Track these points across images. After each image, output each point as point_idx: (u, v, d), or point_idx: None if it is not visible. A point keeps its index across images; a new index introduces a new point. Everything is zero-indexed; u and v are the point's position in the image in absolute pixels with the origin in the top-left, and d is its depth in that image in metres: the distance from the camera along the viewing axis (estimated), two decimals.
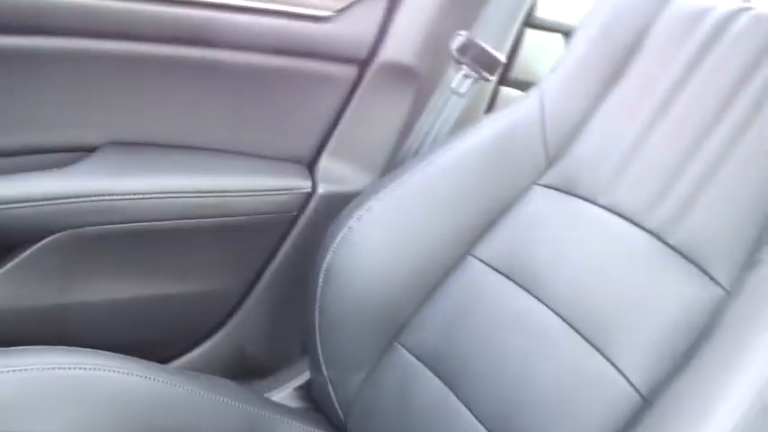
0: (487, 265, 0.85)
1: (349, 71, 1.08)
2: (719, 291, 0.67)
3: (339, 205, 0.93)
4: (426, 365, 0.84)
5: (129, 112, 1.01)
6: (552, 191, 0.86)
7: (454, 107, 1.05)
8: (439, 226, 0.88)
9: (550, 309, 0.77)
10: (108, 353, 0.83)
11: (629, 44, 0.87)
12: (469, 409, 0.77)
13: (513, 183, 0.88)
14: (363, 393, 0.88)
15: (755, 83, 0.74)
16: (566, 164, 0.87)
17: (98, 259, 1.01)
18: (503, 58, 1.04)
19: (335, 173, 1.12)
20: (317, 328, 0.90)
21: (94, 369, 0.80)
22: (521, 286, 0.81)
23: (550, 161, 0.88)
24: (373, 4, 1.05)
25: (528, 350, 0.76)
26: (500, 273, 0.83)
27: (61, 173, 0.97)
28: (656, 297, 0.71)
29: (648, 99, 0.82)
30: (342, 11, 1.04)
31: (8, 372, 0.77)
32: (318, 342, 0.90)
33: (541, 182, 0.88)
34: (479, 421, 0.76)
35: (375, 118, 1.11)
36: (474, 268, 0.86)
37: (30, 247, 0.96)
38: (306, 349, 0.94)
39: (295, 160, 1.12)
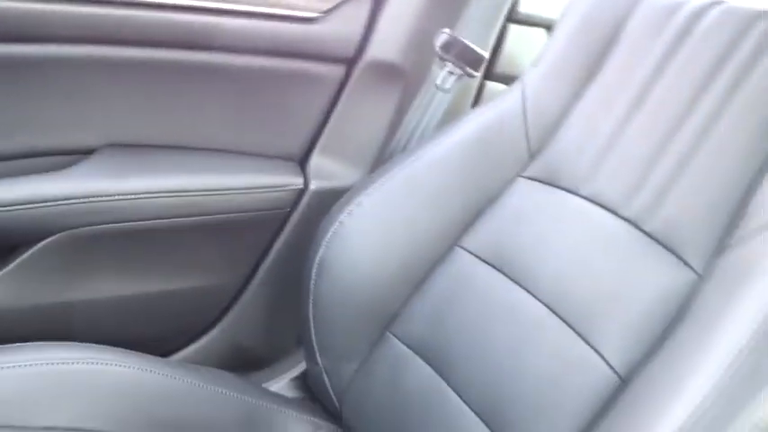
0: (474, 255, 0.88)
1: (337, 70, 1.11)
2: (693, 275, 0.70)
3: (331, 201, 0.96)
4: (417, 354, 0.86)
5: (126, 115, 1.04)
6: (536, 183, 0.89)
7: (440, 103, 1.08)
8: (427, 219, 0.91)
9: (536, 298, 0.79)
10: (109, 347, 0.86)
11: (606, 38, 0.89)
12: (459, 395, 0.80)
13: (497, 175, 0.91)
14: (357, 382, 0.91)
15: (725, 75, 0.76)
16: (548, 156, 0.90)
17: (98, 258, 1.03)
18: (486, 54, 1.07)
19: (327, 169, 1.15)
20: (311, 319, 0.93)
21: (95, 363, 0.83)
22: (507, 276, 0.83)
23: (533, 154, 0.91)
24: (359, 4, 1.08)
25: (514, 338, 0.79)
26: (487, 263, 0.86)
27: (60, 175, 1.00)
28: (634, 283, 0.73)
29: (625, 92, 0.85)
30: (328, 12, 1.07)
31: (9, 368, 0.80)
32: (313, 333, 0.93)
33: (525, 174, 0.90)
34: (468, 406, 0.79)
35: (364, 115, 1.14)
36: (461, 259, 0.89)
37: (31, 247, 0.99)
38: (301, 341, 0.97)
39: (287, 158, 1.15)
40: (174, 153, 1.07)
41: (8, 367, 0.80)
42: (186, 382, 0.88)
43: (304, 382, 1.04)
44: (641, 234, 0.76)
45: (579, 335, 0.74)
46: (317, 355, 0.93)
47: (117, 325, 1.08)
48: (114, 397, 0.82)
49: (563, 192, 0.85)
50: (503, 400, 0.76)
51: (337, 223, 0.92)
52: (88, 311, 1.06)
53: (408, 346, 0.88)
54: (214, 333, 1.16)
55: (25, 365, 0.81)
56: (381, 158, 1.14)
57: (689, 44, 0.82)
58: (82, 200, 0.98)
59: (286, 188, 1.11)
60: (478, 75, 1.09)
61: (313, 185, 1.13)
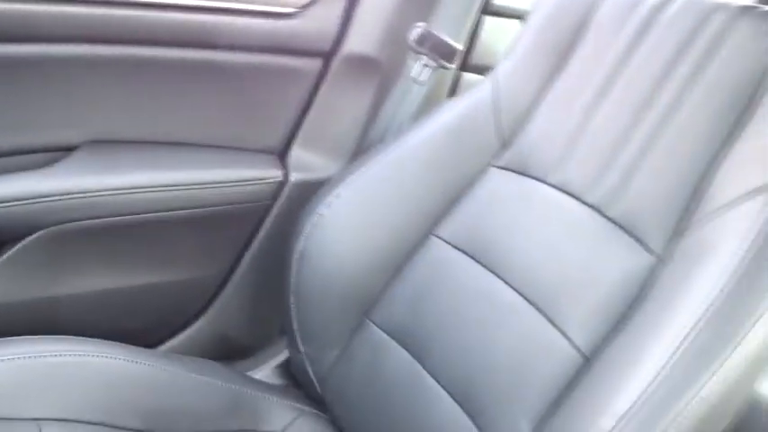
0: (449, 243, 0.90)
1: (314, 64, 1.13)
2: (653, 258, 0.73)
3: (311, 192, 0.98)
4: (395, 339, 0.89)
5: (108, 112, 1.06)
6: (507, 172, 0.91)
7: (416, 95, 1.11)
8: (403, 208, 0.93)
9: (507, 283, 0.82)
10: (95, 340, 0.89)
11: (573, 30, 0.92)
12: (435, 379, 0.83)
13: (471, 165, 0.94)
14: (338, 368, 0.94)
15: (685, 65, 0.79)
16: (519, 146, 0.92)
17: (82, 253, 1.05)
18: (460, 46, 1.09)
19: (306, 161, 1.17)
20: (292, 308, 0.96)
21: (82, 355, 0.85)
22: (480, 263, 0.86)
23: (505, 144, 0.94)
24: None
25: (487, 322, 0.82)
26: (461, 251, 0.89)
27: (44, 172, 1.02)
28: (598, 267, 0.76)
29: (591, 82, 0.87)
30: (305, 7, 1.09)
31: None
32: (295, 322, 0.96)
33: (497, 164, 0.93)
34: (444, 389, 0.81)
35: (342, 108, 1.16)
36: (437, 247, 0.91)
37: (16, 244, 1.01)
38: (284, 329, 0.99)
39: (267, 151, 1.17)
40: (155, 148, 1.09)
41: None
42: (171, 372, 0.91)
43: (287, 369, 1.07)
44: (605, 220, 0.79)
45: (547, 318, 0.77)
46: (299, 342, 0.96)
47: (103, 318, 1.10)
48: (101, 388, 0.84)
49: (533, 180, 0.88)
50: (475, 382, 0.79)
51: (317, 215, 0.95)
52: (75, 305, 1.08)
53: (387, 333, 0.91)
54: (199, 324, 1.18)
55: (14, 359, 0.83)
56: (360, 150, 1.16)
57: (651, 35, 0.85)
58: (65, 196, 1.00)
59: (266, 181, 1.13)
60: (453, 67, 1.11)
61: (293, 177, 1.15)
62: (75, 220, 1.01)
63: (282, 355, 1.09)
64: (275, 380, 1.06)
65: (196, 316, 1.18)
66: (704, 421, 0.62)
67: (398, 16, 1.11)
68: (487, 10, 1.23)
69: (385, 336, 0.90)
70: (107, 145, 1.07)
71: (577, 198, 0.82)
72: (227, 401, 0.92)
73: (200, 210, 1.09)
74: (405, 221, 0.93)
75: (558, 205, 0.84)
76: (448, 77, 1.25)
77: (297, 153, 1.18)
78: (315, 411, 0.97)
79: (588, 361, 0.71)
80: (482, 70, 1.27)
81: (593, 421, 0.63)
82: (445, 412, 0.80)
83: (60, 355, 0.85)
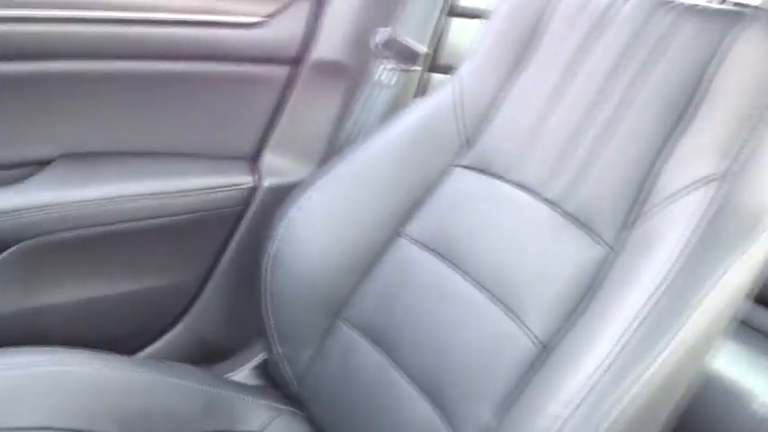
0: (416, 243, 0.93)
1: (282, 71, 1.15)
2: (606, 249, 0.76)
3: (284, 196, 1.01)
4: (365, 338, 0.92)
5: (81, 126, 1.08)
6: (471, 171, 0.94)
7: (383, 97, 1.14)
8: (371, 209, 0.96)
9: (471, 279, 0.85)
10: (73, 350, 0.91)
11: (531, 30, 0.94)
12: (403, 374, 0.85)
13: (435, 165, 0.96)
14: (313, 367, 0.96)
15: (634, 63, 0.82)
16: (481, 145, 0.94)
17: (60, 264, 1.07)
18: (424, 49, 1.12)
19: (279, 166, 1.20)
20: (267, 310, 0.98)
21: (61, 365, 0.87)
22: (445, 261, 0.88)
23: (468, 143, 0.96)
24: (299, 6, 1.13)
25: (451, 318, 0.84)
26: (427, 250, 0.91)
27: (17, 187, 1.04)
28: (555, 260, 0.79)
29: (548, 81, 0.90)
30: (270, 16, 1.11)
31: None
32: (270, 323, 0.98)
33: (461, 163, 0.95)
34: (412, 383, 0.84)
35: (311, 112, 1.18)
36: (404, 247, 0.94)
37: None
38: (260, 331, 1.01)
39: (239, 158, 1.19)
40: (129, 159, 1.11)
41: None
42: (149, 377, 0.93)
43: (265, 370, 1.09)
44: (561, 214, 0.82)
45: (507, 311, 0.80)
46: (275, 343, 0.98)
47: (82, 327, 1.12)
48: (80, 395, 0.86)
49: (494, 179, 0.91)
50: (441, 375, 0.82)
51: (288, 218, 0.98)
52: (55, 316, 1.10)
53: (358, 331, 0.93)
54: (178, 329, 1.20)
55: None
56: (330, 153, 1.18)
57: (603, 34, 0.87)
58: (41, 210, 1.02)
59: (239, 187, 1.15)
60: (418, 69, 1.13)
61: (266, 182, 1.18)
62: (51, 233, 1.03)
63: (260, 357, 1.11)
64: (253, 381, 1.08)
65: (175, 321, 1.20)
66: (651, 402, 0.65)
67: (363, 22, 1.13)
68: (452, 11, 1.25)
69: (356, 334, 0.93)
70: (81, 158, 1.09)
71: (536, 194, 0.85)
72: (204, 403, 0.94)
73: (175, 217, 1.11)
74: (373, 222, 0.95)
75: (518, 202, 0.86)
76: (416, 78, 1.28)
77: (269, 158, 1.20)
78: (292, 410, 0.99)
79: (546, 350, 0.74)
80: (450, 70, 1.29)
81: (544, 408, 0.66)
82: (413, 406, 0.83)
83: (39, 366, 0.87)
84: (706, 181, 0.70)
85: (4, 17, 0.96)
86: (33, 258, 1.04)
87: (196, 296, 1.21)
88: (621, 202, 0.77)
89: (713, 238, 0.68)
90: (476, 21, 1.31)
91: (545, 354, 0.74)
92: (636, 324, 0.66)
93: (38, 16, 0.98)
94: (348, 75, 1.16)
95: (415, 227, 0.94)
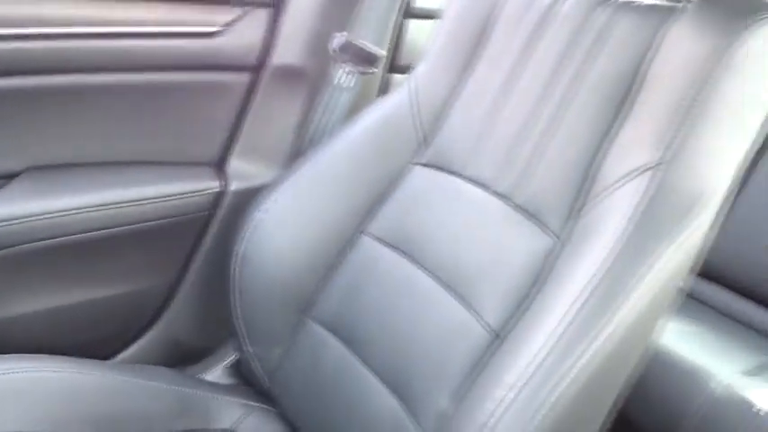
0: (378, 240, 0.96)
1: (244, 77, 1.18)
2: (554, 239, 0.79)
3: (251, 199, 1.04)
4: (332, 333, 0.95)
5: (47, 138, 1.10)
6: (428, 168, 0.97)
7: (343, 100, 1.17)
8: (334, 209, 0.99)
9: (430, 273, 0.88)
10: (46, 356, 0.93)
11: (480, 29, 0.97)
12: (369, 368, 0.89)
13: (394, 164, 0.99)
14: (283, 364, 0.99)
15: (575, 59, 0.85)
16: (437, 143, 0.98)
17: (32, 274, 1.09)
18: (381, 51, 1.15)
19: (245, 171, 1.22)
20: (237, 310, 1.01)
21: (33, 371, 0.90)
22: (405, 257, 0.91)
23: (425, 141, 0.99)
24: (257, 14, 1.15)
25: (410, 312, 0.87)
26: (389, 246, 0.94)
27: None
28: (507, 251, 0.82)
29: (497, 78, 0.93)
30: (228, 24, 1.14)
31: None
32: (240, 322, 1.01)
33: (419, 161, 0.98)
34: (376, 376, 0.87)
35: (274, 117, 1.21)
36: (367, 244, 0.97)
37: None
38: (231, 331, 1.04)
39: (205, 163, 1.22)
40: (95, 170, 1.13)
41: None
42: (121, 380, 0.95)
43: (237, 369, 1.12)
44: (512, 207, 0.85)
45: (463, 301, 0.83)
46: (245, 342, 1.01)
47: (56, 335, 1.13)
48: (52, 400, 0.88)
49: (450, 175, 0.94)
50: (402, 367, 0.85)
51: (255, 220, 1.01)
52: (28, 324, 1.12)
53: (324, 328, 0.96)
54: (152, 333, 1.22)
55: None
56: (295, 155, 1.20)
57: (547, 31, 0.90)
58: (10, 222, 1.03)
59: (206, 192, 1.18)
60: (376, 71, 1.16)
61: (233, 187, 1.20)
62: (21, 244, 1.05)
63: (232, 357, 1.14)
64: (226, 380, 1.11)
65: (148, 325, 1.22)
66: (593, 381, 0.68)
67: (320, 27, 1.16)
68: (409, 13, 1.28)
69: (323, 331, 0.96)
70: (49, 170, 1.11)
71: (488, 188, 0.89)
72: (176, 403, 0.97)
73: (144, 224, 1.14)
74: (337, 221, 0.98)
75: (472, 197, 0.90)
76: (377, 79, 1.31)
77: (235, 163, 1.23)
78: (264, 407, 1.02)
79: (498, 338, 0.77)
80: (409, 70, 1.32)
81: (491, 392, 0.69)
82: (377, 398, 0.86)
83: (12, 372, 0.89)
84: (642, 170, 0.74)
85: None
86: (4, 269, 1.06)
87: (168, 300, 1.23)
88: (567, 193, 0.81)
89: (649, 224, 0.71)
90: (432, 21, 1.34)
91: (498, 341, 0.77)
92: (576, 308, 0.69)
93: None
94: (308, 79, 1.19)
95: (377, 225, 0.97)
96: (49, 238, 1.07)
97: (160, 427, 0.94)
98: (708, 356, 1.21)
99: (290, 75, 1.19)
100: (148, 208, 1.13)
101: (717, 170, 0.74)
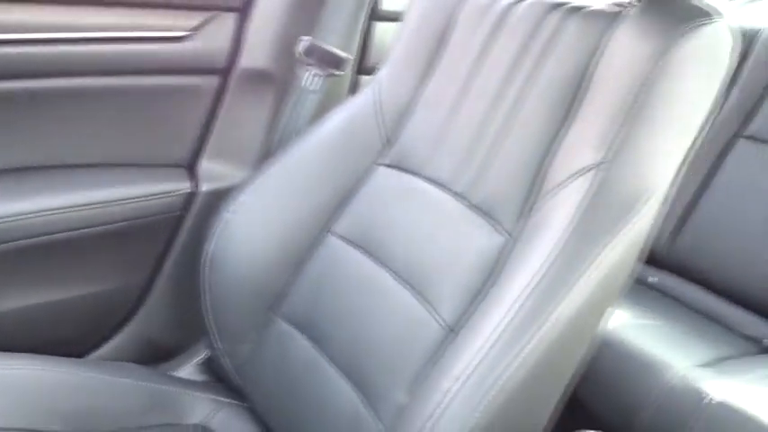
0: (343, 239, 0.99)
1: (213, 81, 1.21)
2: (506, 237, 0.82)
3: (222, 200, 1.06)
4: (298, 330, 0.98)
5: (18, 141, 1.12)
6: (391, 169, 0.99)
7: (310, 102, 1.19)
8: (301, 209, 1.01)
9: (390, 271, 0.90)
10: (16, 354, 0.95)
11: (440, 32, 1.00)
12: (332, 363, 0.91)
13: (358, 165, 1.02)
14: (253, 360, 1.02)
15: (527, 62, 0.88)
16: (399, 144, 1.00)
17: (5, 273, 1.11)
18: (347, 54, 1.17)
19: (215, 172, 1.25)
20: (207, 308, 1.04)
21: (4, 369, 0.92)
22: (368, 255, 0.94)
23: (388, 142, 1.01)
24: (224, 19, 1.18)
25: (373, 308, 0.90)
26: (353, 245, 0.97)
27: None
28: (462, 249, 0.85)
29: (455, 81, 0.96)
30: (195, 29, 1.16)
31: None
32: (210, 320, 1.03)
33: (383, 162, 1.01)
34: (339, 371, 0.90)
35: (243, 119, 1.24)
36: (332, 243, 0.99)
37: None
38: (202, 328, 1.06)
39: (177, 165, 1.25)
40: (67, 172, 1.15)
41: None
42: (93, 377, 0.98)
43: (208, 365, 1.14)
44: (468, 206, 0.88)
45: (421, 298, 0.85)
46: (216, 339, 1.04)
47: (29, 333, 1.15)
48: (23, 396, 0.90)
49: (411, 175, 0.96)
50: (362, 362, 0.88)
51: (223, 220, 1.04)
52: (1, 322, 1.13)
53: (291, 325, 0.99)
54: (126, 331, 1.25)
55: None
56: (265, 157, 1.22)
57: (501, 36, 0.93)
58: None
59: (177, 193, 1.21)
60: (342, 74, 1.19)
61: (204, 188, 1.23)
62: None
63: (204, 354, 1.16)
64: (197, 376, 1.13)
65: (121, 324, 1.25)
66: (538, 371, 0.72)
67: (287, 31, 1.19)
68: (376, 16, 1.31)
69: (290, 328, 0.99)
70: (20, 172, 1.12)
71: (446, 188, 0.91)
72: (148, 399, 0.99)
73: (117, 225, 1.16)
74: (302, 221, 1.01)
75: (431, 196, 0.92)
76: (347, 81, 1.33)
77: (205, 165, 1.25)
78: (235, 402, 1.04)
79: (452, 333, 0.80)
80: (376, 71, 1.36)
81: (439, 384, 0.72)
82: (339, 392, 0.89)
83: None
84: (586, 170, 0.77)
85: None
86: None
87: (142, 298, 1.25)
88: (518, 192, 0.84)
89: (591, 221, 0.75)
90: (398, 23, 1.37)
91: (452, 336, 0.80)
92: (521, 301, 0.73)
93: None
94: (276, 82, 1.22)
95: (342, 224, 1.00)
96: (21, 239, 1.09)
97: (131, 422, 0.96)
98: (667, 349, 1.25)
99: (257, 78, 1.22)
100: (121, 209, 1.16)
101: (657, 169, 0.77)
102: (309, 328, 0.97)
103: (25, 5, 1.05)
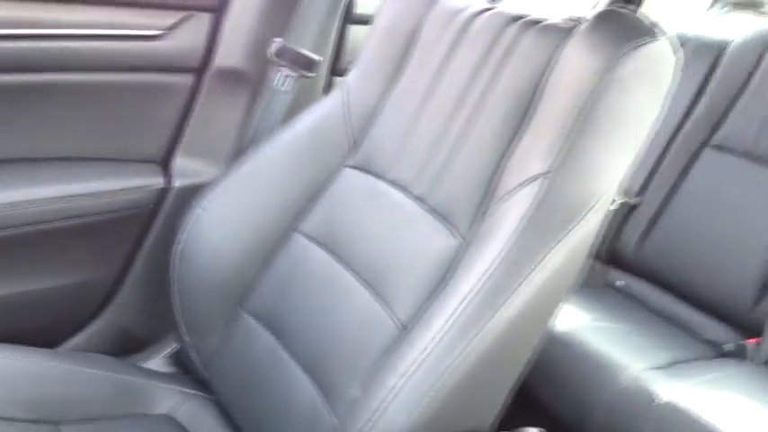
0: (308, 237, 1.02)
1: (187, 79, 1.23)
2: (460, 241, 0.86)
3: (194, 196, 1.08)
4: (263, 325, 1.00)
5: None
6: (356, 171, 1.03)
7: (282, 102, 1.22)
8: (269, 207, 1.04)
9: (351, 270, 0.94)
10: None
11: (407, 40, 1.03)
12: (293, 357, 0.94)
13: (326, 165, 1.04)
14: (219, 353, 1.05)
15: (486, 72, 0.92)
16: (365, 147, 1.03)
17: None
18: (318, 57, 1.20)
19: (189, 168, 1.27)
20: (176, 302, 1.06)
21: None
22: (331, 254, 0.97)
23: (355, 145, 1.04)
24: (199, 19, 1.21)
25: (333, 305, 0.94)
26: (317, 243, 1.00)
27: None
28: (419, 251, 0.88)
29: (419, 87, 0.99)
30: (171, 28, 1.19)
31: None
32: (179, 314, 1.06)
33: (349, 163, 1.04)
34: (299, 366, 0.93)
35: (217, 117, 1.26)
36: (298, 241, 1.02)
37: None
38: (171, 321, 1.09)
39: (151, 161, 1.27)
40: (44, 165, 1.17)
41: None
42: (63, 367, 1.01)
43: (178, 358, 1.17)
44: (426, 209, 0.91)
45: (378, 297, 0.89)
46: (184, 332, 1.07)
47: (2, 322, 1.16)
48: None
49: (375, 177, 1.00)
50: (321, 358, 0.91)
51: (193, 216, 1.06)
52: None
53: (257, 320, 1.02)
54: (98, 322, 1.27)
55: None
56: (238, 155, 1.24)
57: (463, 45, 0.96)
58: None
59: (150, 188, 1.23)
60: (313, 75, 1.22)
61: (177, 183, 1.25)
62: None
63: (173, 346, 1.19)
64: (166, 368, 1.16)
65: (93, 315, 1.27)
66: (479, 369, 0.75)
67: (261, 32, 1.22)
68: (350, 19, 1.34)
69: (255, 323, 1.02)
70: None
71: (406, 191, 0.94)
72: (116, 389, 1.02)
73: (91, 218, 1.18)
74: (271, 219, 1.04)
75: (392, 199, 0.96)
76: (321, 81, 1.36)
77: (179, 161, 1.28)
78: (201, 394, 1.07)
79: (405, 331, 0.83)
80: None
81: (386, 380, 0.76)
82: (299, 386, 0.92)
83: None
84: (534, 179, 0.80)
85: None
86: None
87: (114, 291, 1.28)
88: (473, 198, 0.87)
89: (537, 228, 0.78)
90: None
91: (404, 334, 0.83)
92: (466, 302, 0.76)
93: None
94: (249, 81, 1.25)
95: (309, 223, 1.03)
96: None
97: (98, 412, 0.99)
98: (625, 351, 1.29)
99: (231, 77, 1.24)
100: (95, 202, 1.18)
101: (601, 178, 0.81)
102: (274, 324, 1.00)
103: None
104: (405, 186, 0.95)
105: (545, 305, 0.82)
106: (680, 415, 1.12)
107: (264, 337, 0.99)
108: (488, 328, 0.75)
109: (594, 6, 1.07)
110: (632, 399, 1.18)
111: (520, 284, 0.77)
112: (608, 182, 0.82)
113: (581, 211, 0.80)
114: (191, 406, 1.05)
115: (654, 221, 1.68)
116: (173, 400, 1.05)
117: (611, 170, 0.81)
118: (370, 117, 1.04)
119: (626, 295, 1.64)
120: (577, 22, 0.86)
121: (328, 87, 1.37)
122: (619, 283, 1.68)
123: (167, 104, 1.24)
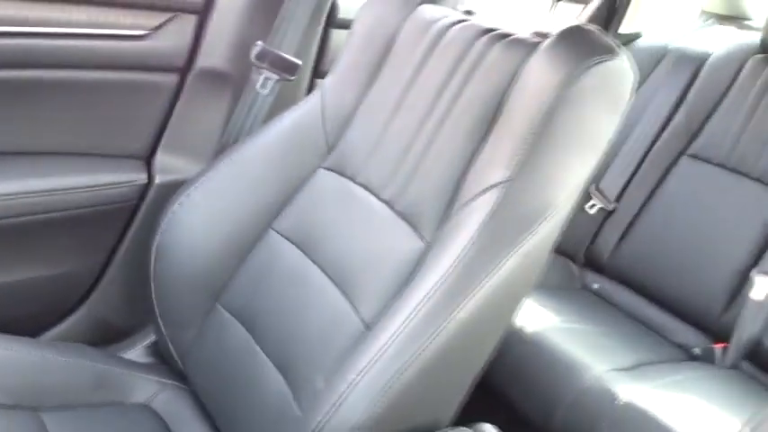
0: (282, 236, 1.05)
1: (171, 78, 1.27)
2: (424, 244, 0.89)
3: (175, 192, 1.11)
4: (237, 319, 1.04)
5: None
6: (331, 173, 1.06)
7: (263, 103, 1.25)
8: (246, 205, 1.07)
9: (321, 269, 0.97)
10: None
11: (383, 48, 1.06)
12: (263, 351, 0.98)
13: (302, 167, 1.08)
14: (196, 346, 1.08)
15: (454, 83, 0.95)
16: (340, 150, 1.06)
17: None
18: (298, 60, 1.23)
19: (170, 165, 1.31)
20: (154, 295, 1.09)
21: None
22: (304, 253, 1.01)
23: (330, 148, 1.08)
24: (184, 20, 1.23)
25: (302, 302, 0.97)
26: (291, 242, 1.03)
27: None
28: (385, 253, 0.92)
29: (391, 95, 1.02)
30: (156, 28, 1.22)
31: None
32: (156, 307, 1.09)
33: (324, 165, 1.07)
34: (270, 360, 0.96)
35: (200, 116, 1.30)
36: (273, 239, 1.06)
37: None
38: (150, 314, 1.12)
39: (134, 157, 1.30)
40: (29, 159, 1.20)
41: None
42: (43, 356, 1.04)
43: (156, 349, 1.20)
44: (394, 212, 0.95)
45: (345, 296, 0.92)
46: (161, 325, 1.10)
47: None
48: None
49: (347, 180, 1.03)
50: (289, 352, 0.95)
51: (171, 212, 1.09)
52: None
53: (231, 314, 1.05)
54: (79, 313, 1.31)
55: None
56: (219, 153, 1.26)
57: (434, 56, 1.00)
58: None
59: (132, 183, 1.26)
60: (293, 78, 1.25)
61: (158, 179, 1.29)
62: None
63: (152, 337, 1.22)
64: (144, 359, 1.19)
65: (75, 306, 1.31)
66: (435, 368, 0.79)
67: (244, 34, 1.25)
68: (333, 23, 1.37)
69: (230, 316, 1.05)
70: None
71: (375, 195, 0.98)
72: (95, 378, 1.06)
73: (74, 211, 1.22)
74: (247, 216, 1.07)
75: (362, 201, 0.99)
76: (304, 83, 1.39)
77: (161, 158, 1.31)
78: (177, 384, 1.10)
79: (369, 330, 0.87)
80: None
81: (346, 375, 0.80)
82: (269, 379, 0.95)
83: None
84: (493, 186, 0.84)
85: None
86: None
87: (96, 282, 1.31)
88: (439, 203, 0.91)
89: (494, 234, 0.82)
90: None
91: (367, 332, 0.86)
92: (424, 303, 0.80)
93: None
94: (231, 82, 1.28)
95: (284, 222, 1.06)
96: None
97: (77, 399, 1.02)
98: (592, 352, 1.33)
99: (214, 77, 1.28)
100: (78, 196, 1.21)
101: (557, 189, 0.84)
102: (247, 318, 1.03)
103: None
104: (375, 190, 0.99)
105: (500, 309, 0.86)
106: (638, 415, 1.16)
107: (238, 331, 1.03)
108: (444, 328, 0.79)
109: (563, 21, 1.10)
110: (595, 398, 1.22)
111: (475, 288, 0.81)
112: (564, 193, 0.85)
113: (536, 220, 0.84)
114: (167, 395, 1.08)
115: (630, 227, 1.72)
116: (150, 390, 1.08)
117: (568, 182, 0.85)
118: (345, 120, 1.08)
119: (601, 298, 1.68)
120: (544, 37, 0.90)
121: (311, 90, 1.40)
122: (595, 286, 1.72)
123: (151, 103, 1.27)
